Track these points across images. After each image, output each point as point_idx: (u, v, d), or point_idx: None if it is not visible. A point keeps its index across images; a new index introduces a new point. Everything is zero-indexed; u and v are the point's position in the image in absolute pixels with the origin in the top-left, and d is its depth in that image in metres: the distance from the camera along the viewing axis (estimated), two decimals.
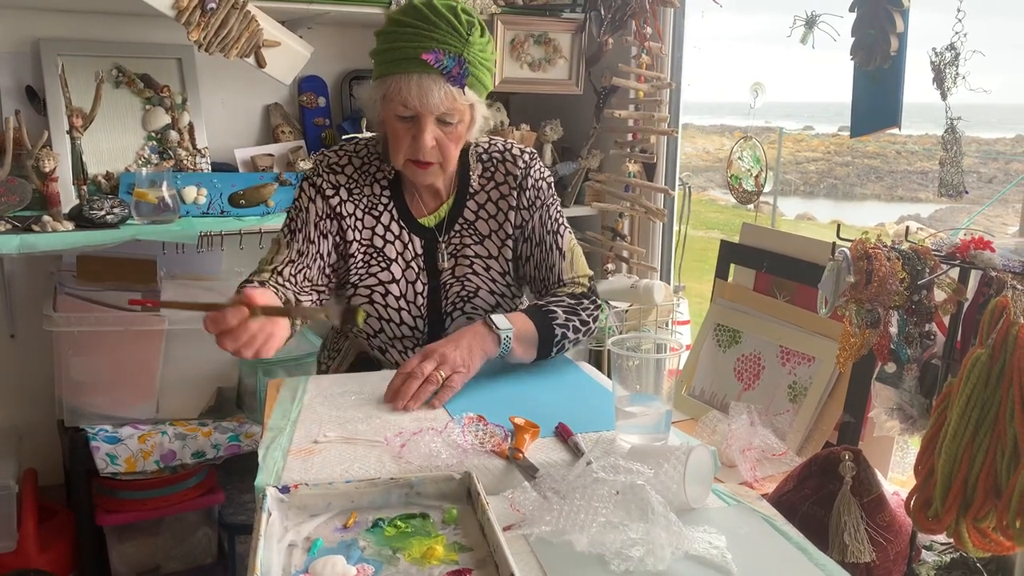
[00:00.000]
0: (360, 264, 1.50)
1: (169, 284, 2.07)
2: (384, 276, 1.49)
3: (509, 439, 1.11)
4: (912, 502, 1.14)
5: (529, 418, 1.17)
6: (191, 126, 2.26)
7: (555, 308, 1.45)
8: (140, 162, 2.19)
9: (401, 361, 1.51)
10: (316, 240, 1.48)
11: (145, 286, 2.02)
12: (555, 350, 1.44)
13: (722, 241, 2.03)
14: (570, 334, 1.45)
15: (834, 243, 1.25)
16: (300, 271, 1.46)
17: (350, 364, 1.60)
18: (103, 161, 2.15)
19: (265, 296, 1.24)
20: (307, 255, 1.47)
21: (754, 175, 2.00)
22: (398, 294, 1.49)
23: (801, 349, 1.82)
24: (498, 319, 1.37)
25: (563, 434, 1.15)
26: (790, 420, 1.72)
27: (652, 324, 2.12)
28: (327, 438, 1.13)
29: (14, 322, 2.23)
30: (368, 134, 2.27)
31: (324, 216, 1.49)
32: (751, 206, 2.07)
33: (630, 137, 2.37)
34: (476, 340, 1.34)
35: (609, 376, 1.35)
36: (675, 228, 2.43)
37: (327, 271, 1.50)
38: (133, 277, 2.01)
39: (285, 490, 0.96)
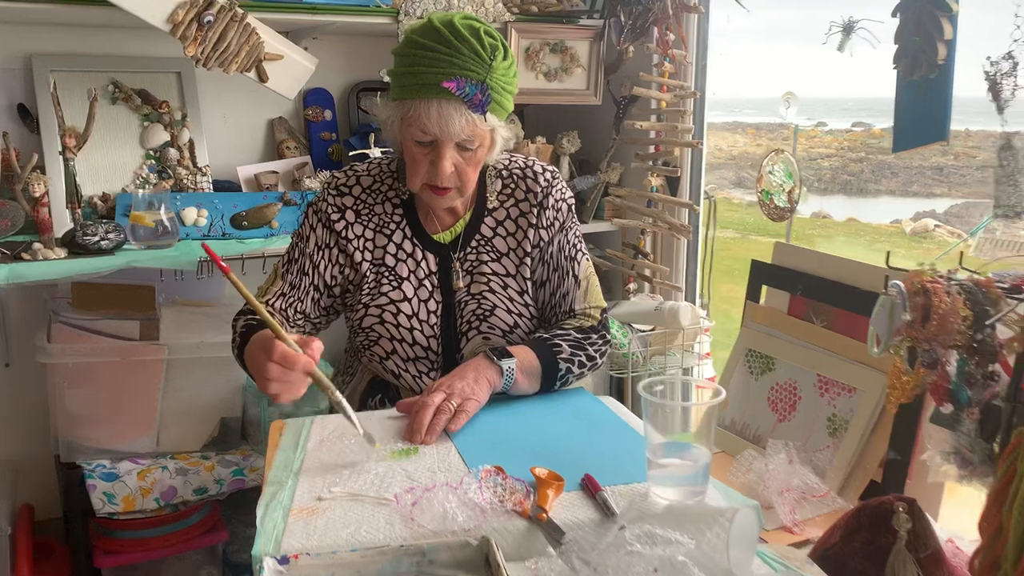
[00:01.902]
0: (372, 283, 1.46)
1: (168, 311, 2.00)
2: (395, 295, 1.45)
3: (531, 495, 1.03)
4: (978, 562, 1.05)
5: (551, 467, 1.09)
6: (191, 143, 2.21)
7: (560, 342, 1.42)
8: (138, 182, 2.13)
9: (415, 385, 1.48)
10: (310, 272, 1.47)
11: (143, 314, 1.97)
12: (558, 384, 1.42)
13: (753, 262, 1.95)
14: (575, 369, 1.43)
15: (886, 276, 1.16)
16: (291, 304, 1.46)
17: (364, 388, 1.56)
18: (99, 181, 2.09)
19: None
20: (299, 288, 1.46)
21: (787, 190, 1.91)
22: (410, 312, 1.45)
23: (841, 379, 1.73)
24: (499, 351, 1.35)
25: (590, 488, 1.07)
26: (830, 456, 1.63)
27: (678, 348, 2.04)
28: (331, 494, 1.05)
29: (8, 350, 2.18)
30: (377, 151, 2.21)
31: (324, 245, 1.47)
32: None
33: (652, 149, 2.29)
34: (481, 371, 1.32)
35: (634, 411, 1.28)
36: (700, 242, 2.35)
37: (323, 303, 1.49)
38: (130, 304, 1.96)
39: (284, 560, 0.89)
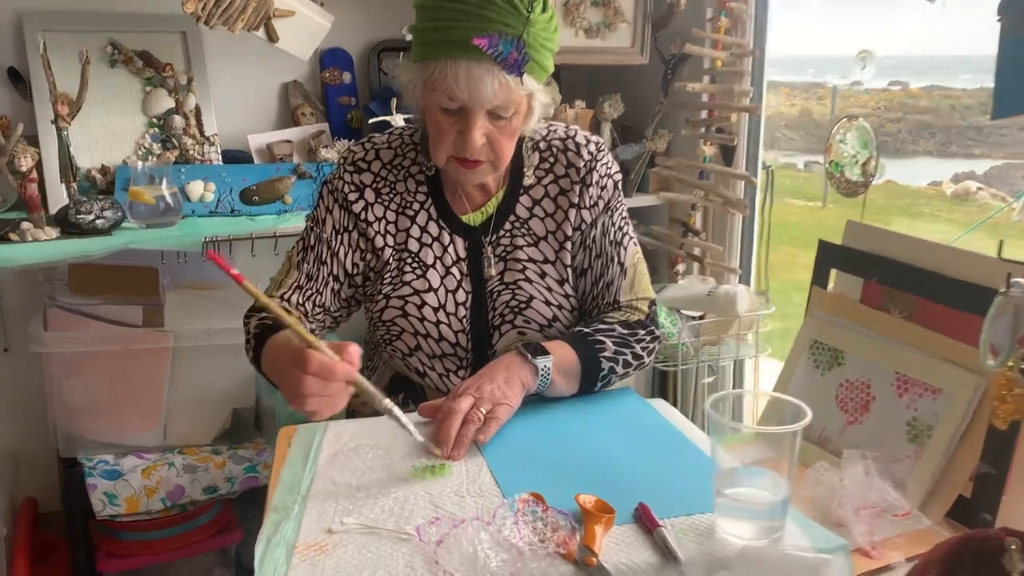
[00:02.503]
0: (394, 271, 1.34)
1: (173, 294, 1.90)
2: (419, 284, 1.33)
3: (577, 533, 0.90)
4: None
5: (599, 493, 0.96)
6: (198, 110, 2.09)
7: (604, 338, 1.30)
8: (140, 152, 2.02)
9: (441, 385, 1.37)
10: (328, 260, 1.35)
11: (146, 298, 1.86)
12: (599, 385, 1.30)
13: (821, 243, 1.78)
14: (619, 368, 1.30)
15: (1008, 273, 1.00)
16: (309, 298, 1.34)
17: (386, 385, 1.45)
18: (98, 153, 1.98)
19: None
20: (317, 279, 1.35)
21: (861, 162, 1.73)
22: (436, 304, 1.33)
23: (924, 378, 1.56)
24: (535, 348, 1.23)
25: (646, 522, 0.94)
26: (910, 467, 1.47)
27: (734, 338, 1.89)
28: (343, 526, 0.93)
29: (6, 334, 2.10)
30: (400, 117, 2.07)
31: (342, 229, 1.35)
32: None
33: (705, 115, 2.13)
34: (512, 371, 1.20)
35: (685, 412, 1.15)
36: (756, 219, 2.18)
37: (343, 293, 1.38)
38: (132, 288, 1.86)
39: None
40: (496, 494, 1.00)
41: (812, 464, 1.51)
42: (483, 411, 1.13)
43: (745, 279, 2.18)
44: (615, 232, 1.39)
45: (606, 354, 1.28)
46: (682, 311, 2.00)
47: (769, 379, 2.11)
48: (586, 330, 1.31)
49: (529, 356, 1.21)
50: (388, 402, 1.04)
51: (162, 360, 1.90)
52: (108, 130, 2.00)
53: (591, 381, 1.28)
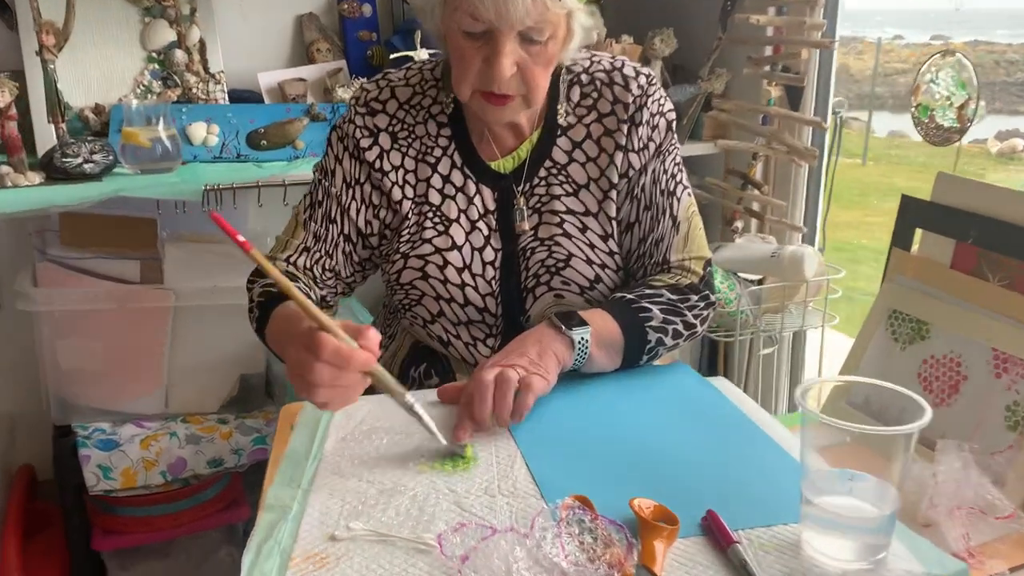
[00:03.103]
0: (413, 227, 1.21)
1: (173, 248, 1.77)
2: (441, 241, 1.20)
3: (634, 548, 0.76)
4: None
5: (658, 497, 0.82)
6: (202, 44, 1.95)
7: (650, 305, 1.15)
8: (139, 91, 1.88)
9: (468, 356, 1.25)
10: (339, 218, 1.22)
11: (144, 252, 1.74)
12: (644, 359, 1.16)
13: (904, 198, 1.60)
14: (667, 340, 1.16)
15: None
16: (318, 261, 1.22)
17: (405, 355, 1.32)
18: (92, 91, 1.85)
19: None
20: (326, 240, 1.22)
21: (956, 105, 1.54)
22: (460, 264, 1.20)
23: None
24: (569, 318, 1.08)
25: (717, 535, 0.79)
26: (1011, 459, 1.31)
27: (798, 305, 1.72)
28: (350, 532, 0.80)
29: (2, 290, 1.99)
30: (424, 52, 1.91)
31: (353, 182, 1.22)
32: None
33: (769, 51, 1.93)
34: (546, 343, 1.06)
35: (746, 390, 1.01)
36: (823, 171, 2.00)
37: (357, 256, 1.25)
38: (129, 240, 1.74)
39: None
40: (533, 494, 0.86)
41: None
42: (519, 372, 0.99)
43: (810, 239, 2.00)
44: (667, 180, 1.23)
45: (653, 324, 1.14)
46: (739, 274, 1.84)
47: (833, 354, 1.95)
48: (630, 296, 1.16)
49: (563, 327, 1.07)
50: (409, 397, 0.92)
51: (162, 320, 1.79)
52: (103, 66, 1.86)
53: (635, 355, 1.14)
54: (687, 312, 1.18)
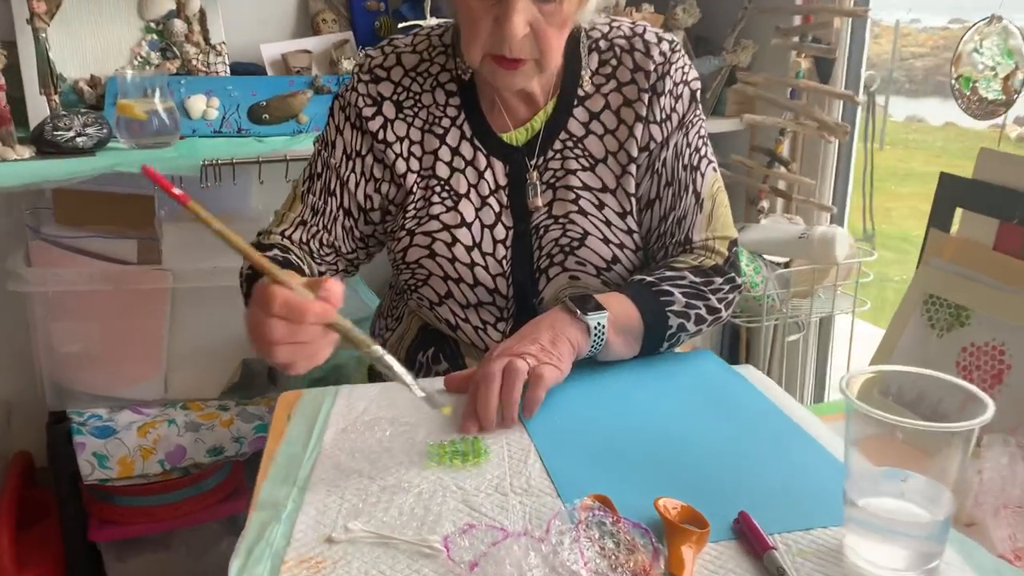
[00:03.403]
0: (419, 202, 1.15)
1: (171, 227, 1.71)
2: (449, 218, 1.14)
3: (660, 555, 0.69)
4: None
5: (685, 497, 0.76)
6: (202, 13, 1.88)
7: (672, 288, 1.09)
8: (136, 62, 1.82)
9: (477, 340, 1.19)
10: (338, 191, 1.17)
11: (141, 231, 1.68)
12: (665, 345, 1.09)
13: (943, 176, 1.53)
14: (690, 326, 1.10)
15: None
16: (315, 235, 1.17)
17: (412, 340, 1.27)
18: (87, 63, 1.79)
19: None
20: (324, 214, 1.17)
21: (1001, 76, 1.46)
22: (470, 243, 1.14)
23: None
24: (585, 301, 1.02)
25: (751, 538, 0.72)
26: None
27: (828, 289, 1.65)
28: (348, 534, 0.74)
29: None
30: (434, 21, 1.83)
31: (354, 153, 1.17)
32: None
33: (797, 21, 1.85)
34: (559, 329, 1.00)
35: (775, 378, 0.94)
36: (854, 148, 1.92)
37: (358, 231, 1.20)
38: (125, 218, 1.68)
39: None
40: (549, 492, 0.80)
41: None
42: (529, 362, 0.93)
43: (838, 219, 1.93)
44: (691, 154, 1.17)
45: (674, 308, 1.07)
46: (764, 256, 1.76)
47: (862, 341, 1.88)
48: (650, 278, 1.09)
49: (579, 311, 1.00)
50: (378, 348, 0.84)
51: (161, 302, 1.73)
52: (98, 36, 1.80)
53: (655, 341, 1.07)
54: (711, 296, 1.12)
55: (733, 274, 1.17)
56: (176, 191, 0.75)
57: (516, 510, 0.77)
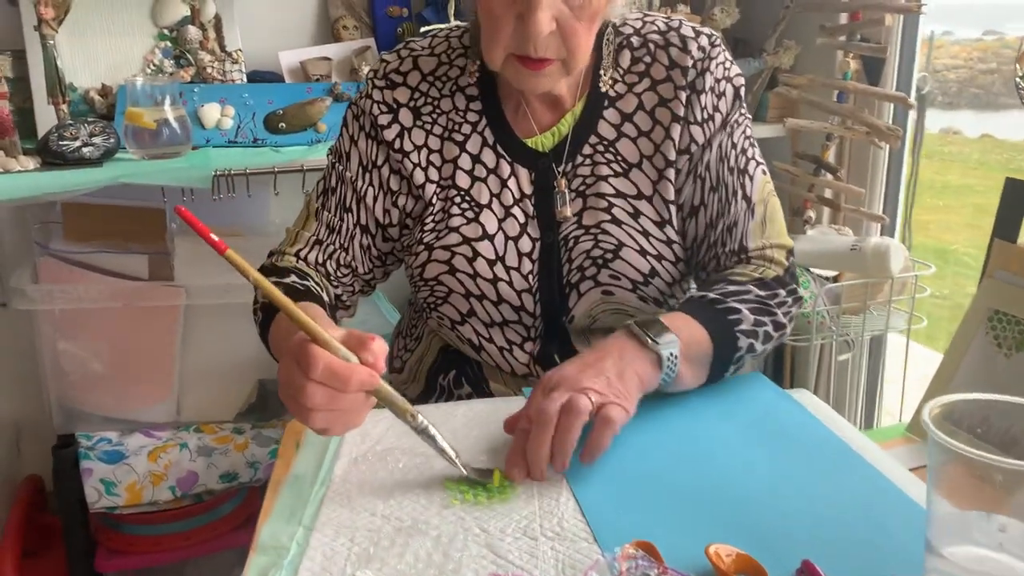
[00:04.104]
0: (438, 214, 1.09)
1: (183, 242, 1.67)
2: (470, 230, 1.08)
3: None
4: None
5: (741, 544, 0.68)
6: (218, 20, 1.84)
7: (738, 305, 0.99)
8: (149, 71, 1.78)
9: (503, 362, 1.12)
10: (354, 207, 1.11)
11: (152, 245, 1.64)
12: (732, 370, 0.99)
13: (1009, 181, 1.43)
14: (758, 345, 1.00)
15: None
16: (332, 255, 1.11)
17: (432, 361, 1.21)
18: (99, 72, 1.75)
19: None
20: (341, 232, 1.11)
21: None
22: (493, 256, 1.07)
23: None
24: (651, 326, 0.91)
25: None
26: None
27: (882, 306, 1.55)
28: None
29: (4, 287, 1.90)
30: (455, 24, 1.78)
31: (371, 165, 1.11)
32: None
33: (845, 19, 1.76)
34: (627, 360, 0.88)
35: (835, 406, 0.85)
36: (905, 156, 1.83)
37: (376, 249, 1.14)
38: (135, 233, 1.65)
39: None
40: (584, 537, 0.72)
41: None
42: (592, 400, 0.81)
43: (890, 230, 1.83)
44: (736, 156, 1.09)
45: (743, 327, 0.98)
46: (811, 269, 1.67)
47: (917, 362, 1.78)
48: (712, 295, 1.00)
49: (650, 338, 0.89)
50: (423, 419, 0.79)
51: (173, 320, 1.70)
52: (110, 44, 1.77)
53: (722, 367, 0.97)
54: (777, 310, 1.03)
55: (795, 286, 1.08)
56: (213, 237, 0.70)
57: (547, 557, 0.69)
